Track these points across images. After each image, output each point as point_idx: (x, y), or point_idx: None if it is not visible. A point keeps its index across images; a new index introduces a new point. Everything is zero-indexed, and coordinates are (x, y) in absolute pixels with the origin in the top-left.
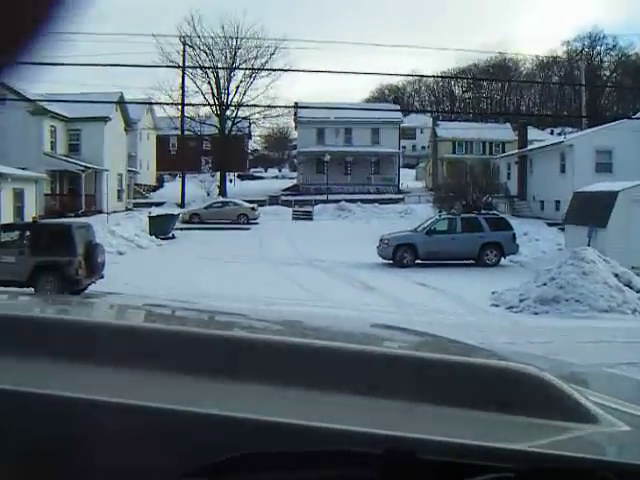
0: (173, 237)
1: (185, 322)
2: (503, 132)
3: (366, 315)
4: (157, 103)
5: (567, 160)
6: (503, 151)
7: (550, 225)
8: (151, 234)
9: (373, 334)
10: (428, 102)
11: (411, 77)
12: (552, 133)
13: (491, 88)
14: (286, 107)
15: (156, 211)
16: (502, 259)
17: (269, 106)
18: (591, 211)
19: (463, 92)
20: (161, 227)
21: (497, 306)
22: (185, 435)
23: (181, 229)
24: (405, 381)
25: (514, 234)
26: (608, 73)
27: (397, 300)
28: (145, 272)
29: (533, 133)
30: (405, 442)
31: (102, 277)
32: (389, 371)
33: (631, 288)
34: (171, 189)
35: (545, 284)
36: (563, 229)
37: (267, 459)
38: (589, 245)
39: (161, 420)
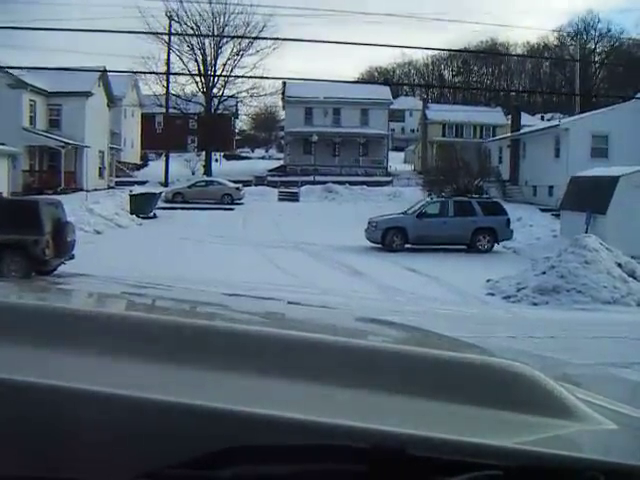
0: (154, 216)
1: (162, 311)
2: (494, 115)
3: (354, 303)
4: (141, 72)
5: (562, 144)
6: (494, 135)
7: (543, 211)
8: (132, 213)
9: (358, 328)
10: (417, 86)
11: (401, 59)
12: (542, 119)
13: (481, 72)
14: (274, 79)
15: (138, 190)
16: (495, 245)
17: (258, 77)
18: (590, 197)
19: (453, 76)
20: (142, 206)
21: (493, 295)
22: (166, 427)
23: (163, 208)
24: (390, 376)
25: (508, 219)
26: (600, 60)
27: (387, 287)
28: (121, 253)
29: (524, 118)
30: (392, 437)
31: (72, 257)
32: (373, 365)
33: (635, 279)
34: (156, 168)
35: (544, 273)
36: (557, 215)
37: (252, 453)
38: (587, 232)
39: (138, 410)
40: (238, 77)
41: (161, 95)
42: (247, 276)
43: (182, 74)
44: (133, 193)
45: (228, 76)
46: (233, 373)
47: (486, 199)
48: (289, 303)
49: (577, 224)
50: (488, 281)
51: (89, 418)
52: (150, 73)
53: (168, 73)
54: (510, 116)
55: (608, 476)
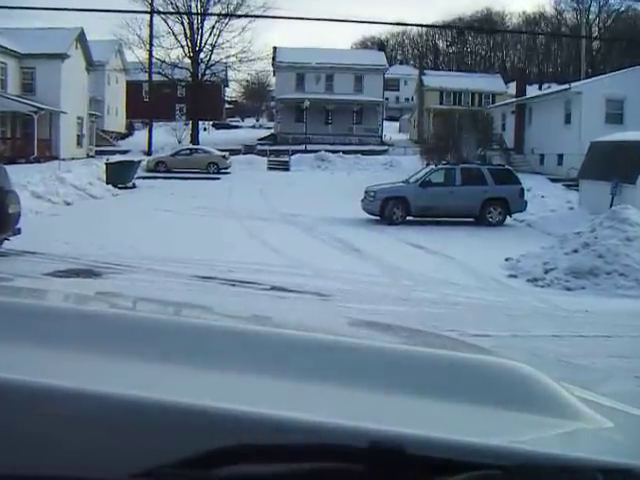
0: (133, 186)
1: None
2: (494, 82)
3: (353, 289)
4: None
5: (573, 109)
6: (493, 102)
7: (553, 181)
8: (108, 183)
9: (351, 330)
10: (411, 55)
11: (395, 29)
12: (540, 88)
13: (476, 42)
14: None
15: (117, 158)
16: (507, 217)
17: (244, 28)
18: (615, 164)
19: (447, 46)
20: (120, 175)
21: (515, 277)
22: (162, 426)
23: (144, 178)
24: (387, 374)
25: (522, 189)
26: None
27: (390, 267)
28: (87, 227)
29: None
30: (390, 437)
31: (18, 232)
32: (370, 364)
33: None
34: (142, 137)
35: (576, 251)
36: (569, 185)
37: (248, 452)
38: (612, 204)
39: (135, 409)
40: (229, 32)
41: (147, 61)
42: (228, 254)
43: (164, 33)
44: (110, 161)
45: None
46: (229, 372)
47: (497, 166)
48: (272, 289)
49: (599, 195)
50: (507, 260)
51: (81, 417)
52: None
53: (151, 41)
54: (510, 84)
55: (607, 475)
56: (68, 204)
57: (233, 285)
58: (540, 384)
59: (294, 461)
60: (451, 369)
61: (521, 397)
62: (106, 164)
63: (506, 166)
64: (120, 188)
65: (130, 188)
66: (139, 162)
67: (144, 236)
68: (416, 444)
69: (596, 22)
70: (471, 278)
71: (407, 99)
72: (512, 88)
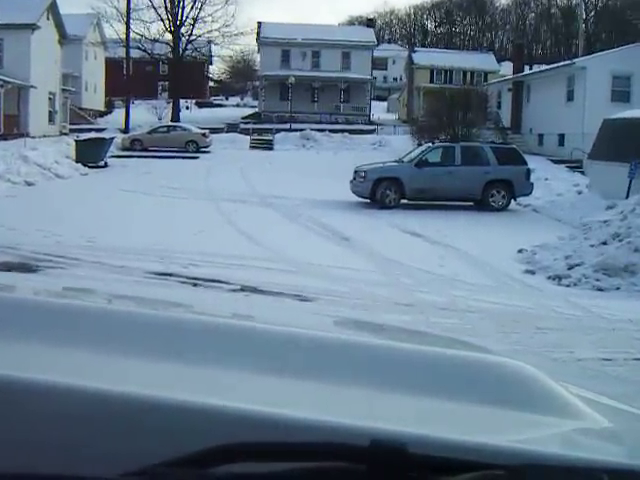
0: (105, 165)
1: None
2: (486, 60)
3: (343, 289)
4: None
5: (577, 86)
6: (485, 81)
7: (555, 162)
8: (77, 161)
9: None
10: (400, 36)
11: (383, 9)
12: (531, 67)
13: (465, 23)
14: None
15: (87, 135)
16: (511, 202)
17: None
18: (633, 143)
19: (436, 26)
20: (91, 153)
21: (533, 273)
22: (158, 424)
23: (118, 157)
24: (385, 372)
25: (528, 170)
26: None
27: (387, 261)
28: (42, 210)
29: (508, 68)
30: (392, 436)
31: None
32: (368, 362)
33: None
34: (121, 115)
35: (605, 243)
36: (572, 167)
37: (246, 451)
38: (630, 187)
39: (130, 406)
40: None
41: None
42: (196, 244)
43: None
44: (80, 139)
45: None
46: (226, 369)
47: (501, 144)
48: (242, 290)
49: (613, 178)
50: (520, 251)
51: (67, 413)
52: None
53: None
54: (502, 63)
55: (611, 476)
56: (30, 184)
57: (194, 285)
58: (540, 383)
59: (291, 460)
60: (451, 368)
61: (521, 396)
62: (76, 141)
63: (511, 145)
64: (90, 167)
65: (101, 167)
66: (111, 139)
67: (104, 221)
68: (417, 443)
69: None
70: (482, 275)
71: (395, 79)
72: (505, 67)
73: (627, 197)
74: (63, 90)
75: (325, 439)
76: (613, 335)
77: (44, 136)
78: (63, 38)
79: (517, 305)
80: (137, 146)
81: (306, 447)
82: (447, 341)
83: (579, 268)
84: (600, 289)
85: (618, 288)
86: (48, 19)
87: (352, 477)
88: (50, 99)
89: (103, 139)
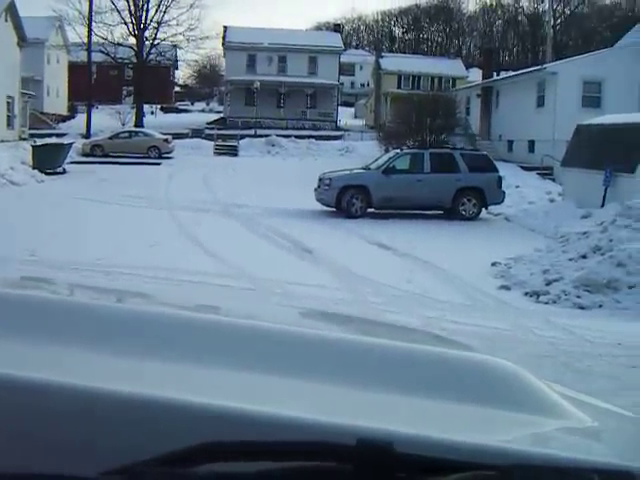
0: (64, 172)
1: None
2: (454, 66)
3: (304, 307)
4: None
5: (547, 91)
6: (454, 87)
7: (525, 169)
8: (35, 168)
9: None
10: (367, 42)
11: (350, 15)
12: (498, 74)
13: (432, 29)
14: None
15: (45, 141)
16: (482, 210)
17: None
18: (608, 150)
19: (403, 32)
20: (48, 159)
21: (508, 289)
22: (140, 421)
23: (79, 162)
24: (368, 370)
25: (500, 177)
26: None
27: (350, 276)
28: None
29: (476, 74)
30: (379, 435)
31: None
32: (351, 358)
33: None
34: (84, 120)
35: (585, 257)
36: (543, 174)
37: (231, 450)
38: (606, 195)
39: (112, 403)
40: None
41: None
42: (148, 257)
43: None
44: (37, 144)
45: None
46: (208, 367)
47: (472, 151)
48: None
49: (588, 185)
50: (494, 264)
51: (51, 410)
52: None
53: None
54: (470, 69)
55: (602, 476)
56: None
57: None
58: (524, 381)
59: (275, 460)
60: (435, 365)
61: (506, 394)
62: (33, 147)
63: (482, 152)
64: (48, 174)
65: (59, 173)
66: (70, 145)
67: (52, 233)
68: (405, 443)
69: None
70: (454, 291)
71: (363, 84)
72: (473, 73)
73: (602, 206)
74: (23, 94)
75: (309, 438)
76: (602, 362)
77: (1, 141)
78: (23, 41)
79: (493, 327)
80: (98, 152)
81: (290, 446)
82: (427, 337)
83: (558, 284)
84: (581, 307)
85: (601, 306)
86: (6, 21)
87: (338, 477)
88: (8, 103)
89: (61, 144)
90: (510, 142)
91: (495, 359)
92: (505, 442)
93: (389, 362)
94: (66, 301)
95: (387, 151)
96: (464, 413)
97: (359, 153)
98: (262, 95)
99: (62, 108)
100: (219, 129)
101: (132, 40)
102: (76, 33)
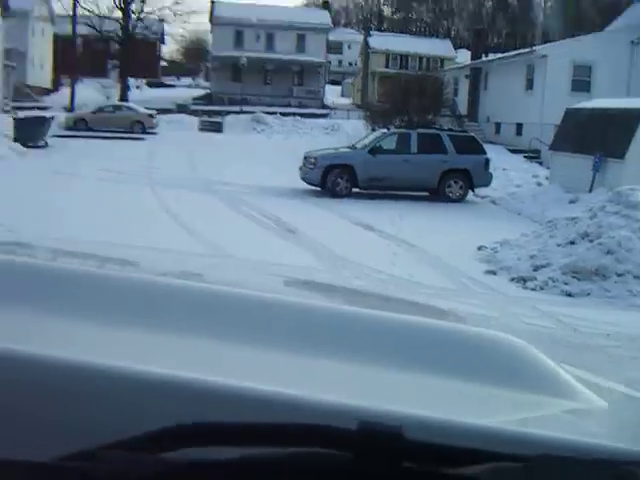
0: (45, 145)
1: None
2: (442, 46)
3: (283, 291)
4: None
5: (537, 74)
6: (442, 67)
7: (512, 152)
8: (16, 141)
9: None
10: (356, 21)
11: None
12: (487, 56)
13: (421, 9)
14: None
15: (27, 113)
16: (469, 193)
17: None
18: (597, 135)
19: (392, 12)
20: (30, 132)
21: (494, 274)
22: (108, 398)
23: (61, 136)
24: (369, 343)
25: (487, 159)
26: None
27: (334, 258)
28: None
29: (464, 56)
30: (383, 417)
31: None
32: (352, 331)
33: None
34: (68, 94)
35: (573, 243)
36: (530, 157)
37: (210, 432)
38: (594, 180)
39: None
40: None
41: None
42: (123, 235)
43: None
44: (18, 117)
45: None
46: (193, 337)
47: (459, 132)
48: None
49: (576, 170)
50: (480, 248)
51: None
52: None
53: None
54: (459, 50)
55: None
56: None
57: None
58: (534, 359)
59: (264, 444)
60: (441, 341)
61: (516, 373)
62: (14, 119)
63: (470, 133)
64: (29, 147)
65: (41, 147)
66: (52, 118)
67: (21, 209)
68: (415, 426)
69: None
70: (440, 275)
71: (350, 63)
72: (461, 54)
73: (590, 191)
74: (5, 66)
75: (304, 420)
76: (593, 354)
77: None
78: (5, 11)
79: (481, 314)
80: (81, 126)
81: (282, 429)
82: (434, 310)
83: (545, 270)
84: (569, 294)
85: (589, 294)
86: None
87: (336, 466)
88: None
89: (43, 117)
90: (498, 124)
91: (505, 335)
92: (526, 427)
93: (394, 336)
94: (41, 265)
95: (374, 130)
96: (473, 393)
97: (345, 132)
98: (249, 72)
99: (46, 81)
100: (205, 105)
101: (118, 13)
102: (61, 5)
